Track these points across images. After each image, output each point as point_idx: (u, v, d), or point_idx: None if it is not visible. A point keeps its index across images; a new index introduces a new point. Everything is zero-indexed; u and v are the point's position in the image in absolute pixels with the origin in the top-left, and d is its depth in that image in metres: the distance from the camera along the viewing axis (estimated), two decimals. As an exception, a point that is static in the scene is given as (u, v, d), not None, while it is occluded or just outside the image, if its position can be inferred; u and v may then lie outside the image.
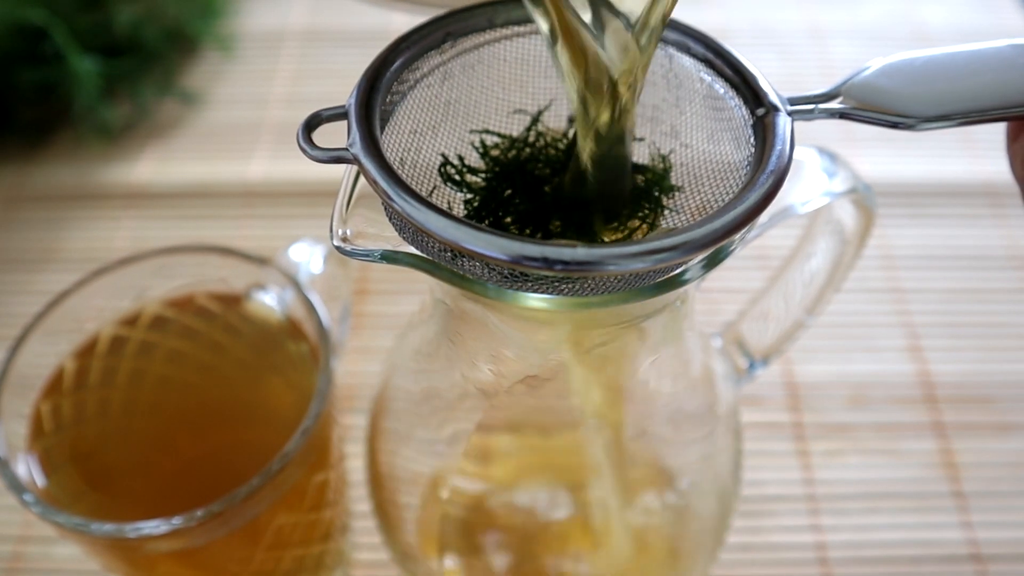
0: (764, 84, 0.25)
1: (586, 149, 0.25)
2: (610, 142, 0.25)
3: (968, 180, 0.61)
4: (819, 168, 0.31)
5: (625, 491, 0.36)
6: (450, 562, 0.38)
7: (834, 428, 0.49)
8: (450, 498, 0.38)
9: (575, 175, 0.26)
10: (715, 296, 0.54)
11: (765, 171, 0.23)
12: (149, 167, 0.62)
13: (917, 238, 0.58)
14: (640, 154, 0.27)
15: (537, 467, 0.38)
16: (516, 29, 0.27)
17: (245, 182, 0.61)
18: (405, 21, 0.70)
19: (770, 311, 0.37)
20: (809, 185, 0.30)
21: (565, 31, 0.23)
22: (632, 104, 0.25)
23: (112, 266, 0.37)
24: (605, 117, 0.25)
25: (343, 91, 0.24)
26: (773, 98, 0.24)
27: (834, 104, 0.25)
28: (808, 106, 0.25)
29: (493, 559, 0.38)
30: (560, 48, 0.24)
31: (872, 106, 0.24)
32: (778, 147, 0.23)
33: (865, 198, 0.31)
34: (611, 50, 0.24)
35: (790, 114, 0.24)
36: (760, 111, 0.24)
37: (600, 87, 0.24)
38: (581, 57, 0.24)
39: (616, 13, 0.23)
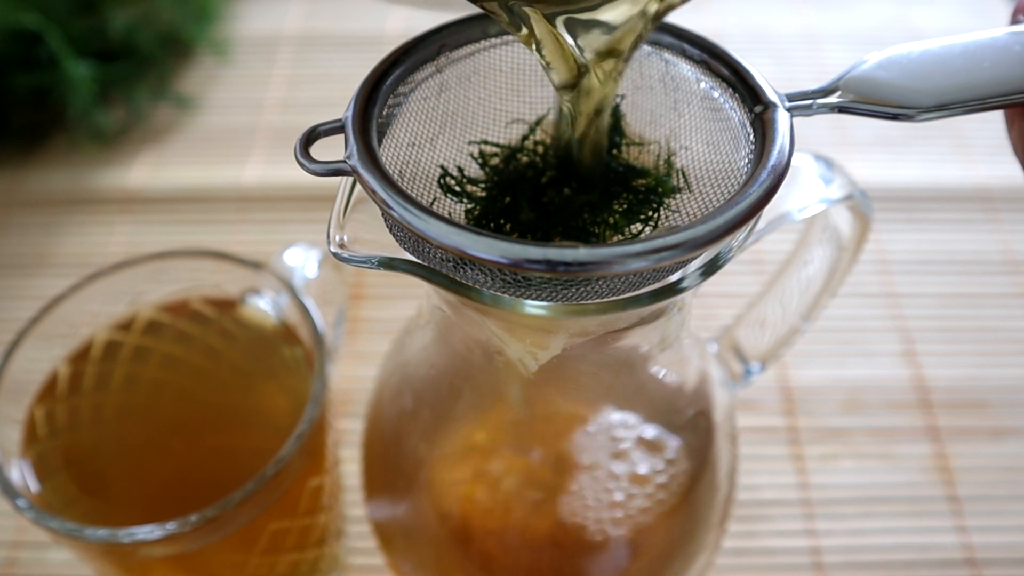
0: (761, 81, 0.25)
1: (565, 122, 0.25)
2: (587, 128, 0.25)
3: (962, 184, 0.61)
4: (815, 174, 0.31)
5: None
6: (444, 566, 0.38)
7: (829, 432, 0.49)
8: (445, 501, 0.38)
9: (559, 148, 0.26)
10: (711, 301, 0.54)
11: (766, 167, 0.22)
12: (144, 172, 0.62)
13: (912, 243, 0.58)
14: (640, 158, 0.27)
15: (534, 469, 0.38)
16: (510, 38, 0.27)
17: (240, 187, 0.61)
18: (400, 26, 0.70)
19: (766, 317, 0.37)
20: (806, 191, 0.30)
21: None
22: (608, 82, 0.24)
23: (106, 271, 0.37)
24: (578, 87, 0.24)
25: (338, 96, 0.23)
26: (771, 95, 0.24)
27: (832, 99, 0.24)
28: (806, 101, 0.25)
29: (487, 564, 0.38)
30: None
31: (871, 99, 0.24)
32: (778, 143, 0.23)
33: (861, 204, 0.31)
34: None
35: (788, 110, 0.24)
36: (758, 108, 0.24)
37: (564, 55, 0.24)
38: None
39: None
